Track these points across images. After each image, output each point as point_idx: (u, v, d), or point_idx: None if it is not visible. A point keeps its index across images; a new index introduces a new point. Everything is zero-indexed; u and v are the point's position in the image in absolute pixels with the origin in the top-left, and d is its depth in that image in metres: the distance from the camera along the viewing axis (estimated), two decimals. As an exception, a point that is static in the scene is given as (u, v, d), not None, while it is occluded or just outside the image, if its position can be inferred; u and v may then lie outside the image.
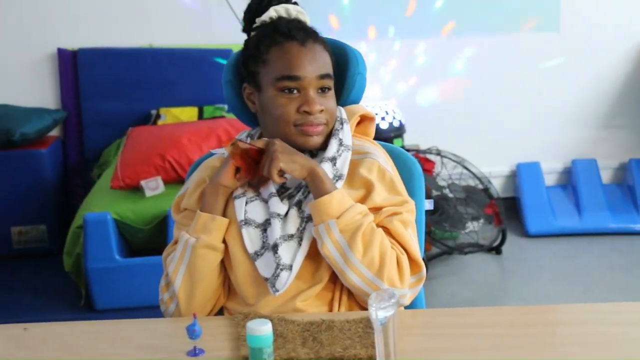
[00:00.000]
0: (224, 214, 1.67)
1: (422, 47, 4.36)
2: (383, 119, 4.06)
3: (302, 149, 1.67)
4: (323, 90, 1.68)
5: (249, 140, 1.74)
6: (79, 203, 3.75)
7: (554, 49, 4.38)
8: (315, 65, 1.66)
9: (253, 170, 1.65)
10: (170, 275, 1.67)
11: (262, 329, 1.33)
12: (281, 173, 1.60)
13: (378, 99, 4.31)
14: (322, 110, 1.66)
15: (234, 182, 1.65)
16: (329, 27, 4.23)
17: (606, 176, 4.51)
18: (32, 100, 4.20)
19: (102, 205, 3.38)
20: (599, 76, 4.43)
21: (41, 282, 3.75)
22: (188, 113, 4.00)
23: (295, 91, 1.66)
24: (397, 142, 4.06)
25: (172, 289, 1.67)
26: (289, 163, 1.60)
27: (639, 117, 4.48)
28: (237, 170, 1.65)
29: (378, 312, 1.25)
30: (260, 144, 1.63)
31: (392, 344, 1.28)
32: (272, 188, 1.66)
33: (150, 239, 3.40)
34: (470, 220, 3.95)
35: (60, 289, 3.60)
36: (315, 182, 1.60)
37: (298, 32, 1.67)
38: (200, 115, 3.99)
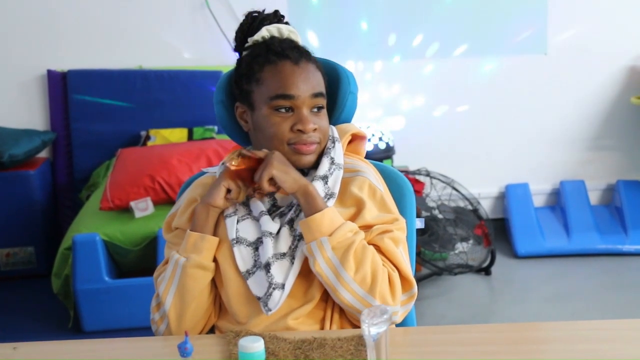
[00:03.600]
0: (215, 233, 1.67)
1: (409, 68, 4.39)
2: (369, 140, 4.06)
3: (295, 167, 1.67)
4: (316, 109, 1.69)
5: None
6: (67, 224, 3.74)
7: (542, 72, 4.42)
8: (308, 84, 1.67)
9: (246, 186, 1.65)
10: (160, 295, 1.67)
11: (254, 347, 1.33)
12: (272, 182, 1.61)
13: (371, 119, 4.33)
14: (315, 129, 1.67)
15: (224, 203, 1.65)
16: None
17: (594, 197, 4.54)
18: (21, 121, 4.20)
19: (91, 227, 3.37)
20: (586, 98, 4.47)
21: (29, 304, 3.72)
22: (178, 134, 4.01)
23: (288, 110, 1.67)
24: (386, 163, 4.05)
25: (162, 309, 1.66)
26: (282, 173, 1.60)
27: (627, 139, 4.52)
28: (228, 191, 1.65)
29: (370, 328, 1.25)
30: (261, 154, 1.64)
31: (384, 361, 1.28)
32: (263, 206, 1.66)
33: (139, 260, 3.39)
34: (460, 241, 3.96)
35: (48, 311, 3.58)
36: (308, 200, 1.60)
37: (291, 52, 1.68)
38: (190, 137, 4.00)
